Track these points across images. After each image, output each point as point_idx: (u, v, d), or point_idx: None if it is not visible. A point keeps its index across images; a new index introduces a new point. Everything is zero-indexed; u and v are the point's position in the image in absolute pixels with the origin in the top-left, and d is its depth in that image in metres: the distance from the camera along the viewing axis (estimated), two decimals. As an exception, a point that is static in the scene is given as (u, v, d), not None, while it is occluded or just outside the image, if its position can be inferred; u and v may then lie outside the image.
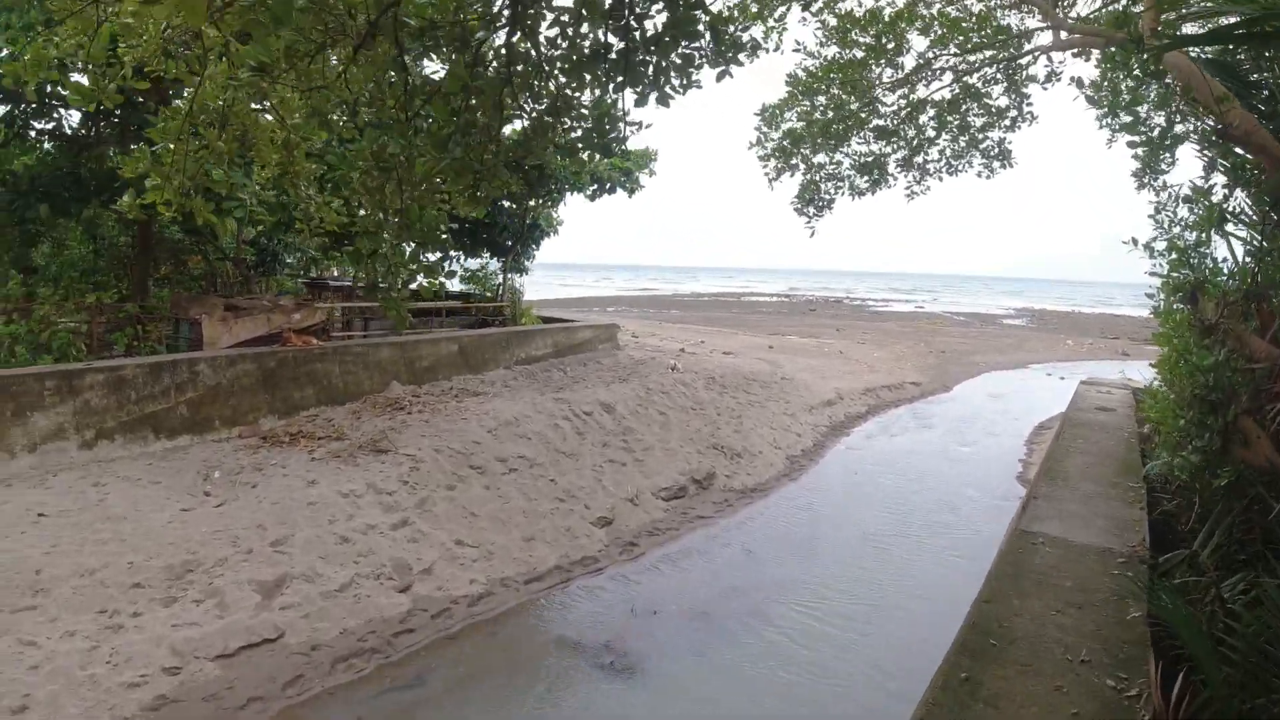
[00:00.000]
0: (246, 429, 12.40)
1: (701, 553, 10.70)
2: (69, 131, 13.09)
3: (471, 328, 18.17)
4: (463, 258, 19.27)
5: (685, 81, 4.15)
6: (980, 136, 12.23)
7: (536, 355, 16.61)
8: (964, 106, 11.54)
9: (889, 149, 11.69)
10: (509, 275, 19.06)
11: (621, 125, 4.34)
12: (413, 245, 7.63)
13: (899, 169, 11.99)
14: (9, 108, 12.31)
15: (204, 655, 7.46)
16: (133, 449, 11.30)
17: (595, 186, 17.12)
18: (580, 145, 4.59)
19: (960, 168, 12.43)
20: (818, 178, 11.74)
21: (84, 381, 10.88)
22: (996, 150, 12.63)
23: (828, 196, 11.76)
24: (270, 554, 8.94)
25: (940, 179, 12.30)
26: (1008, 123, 12.28)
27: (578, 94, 4.52)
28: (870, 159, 11.66)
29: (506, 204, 18.00)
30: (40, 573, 7.89)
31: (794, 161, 11.58)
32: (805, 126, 11.20)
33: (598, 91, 4.38)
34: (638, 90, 3.91)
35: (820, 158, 11.61)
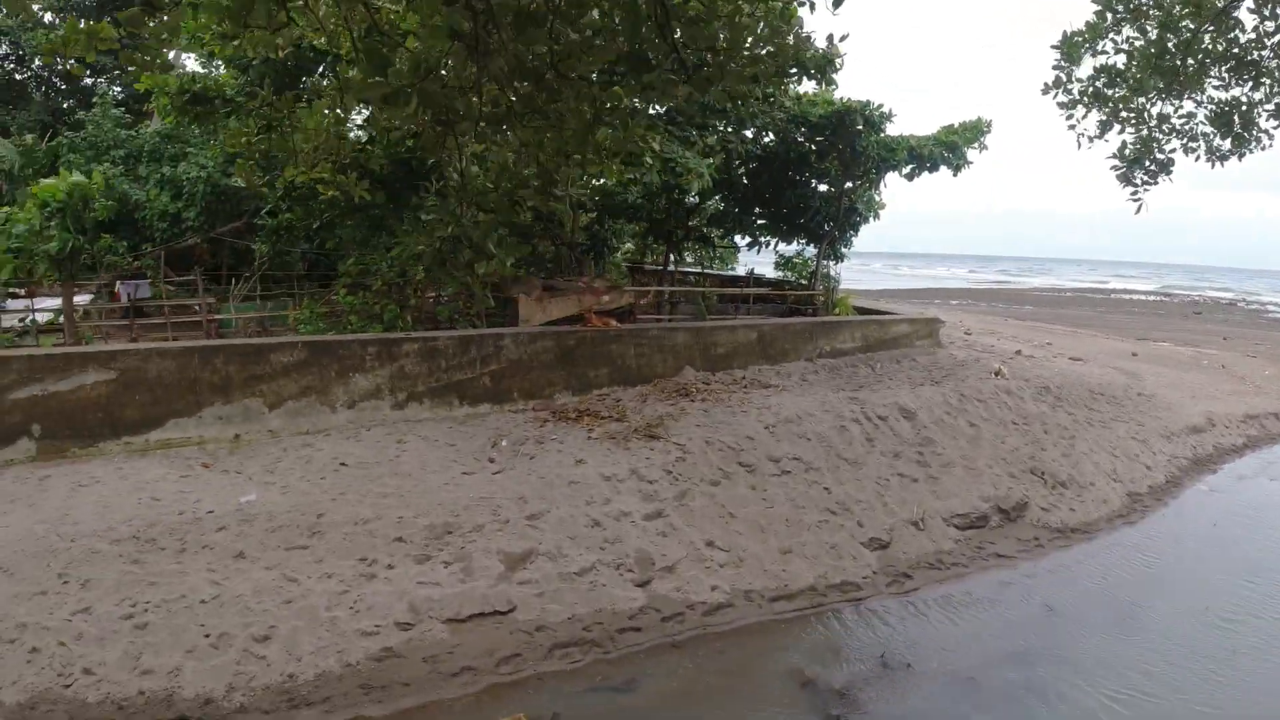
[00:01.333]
0: (540, 403, 12.85)
1: (989, 601, 9.00)
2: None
3: (781, 316, 17.50)
4: (774, 243, 18.52)
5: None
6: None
7: (843, 349, 15.45)
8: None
9: (1256, 93, 8.47)
10: (824, 262, 17.98)
11: (795, 35, 3.32)
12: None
13: (1273, 120, 8.66)
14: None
15: (437, 616, 7.69)
16: (438, 412, 12.20)
17: (913, 164, 15.38)
18: (740, 66, 3.54)
19: None
20: (1153, 133, 8.84)
21: (401, 349, 11.93)
22: None
23: (1161, 157, 8.86)
24: (523, 527, 9.03)
25: (1333, 135, 8.79)
26: None
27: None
28: (1228, 107, 8.50)
29: (822, 187, 16.95)
30: (322, 516, 8.62)
31: (1122, 113, 8.79)
32: (1128, 60, 8.43)
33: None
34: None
35: (1157, 106, 8.70)
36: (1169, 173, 8.97)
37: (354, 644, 7.12)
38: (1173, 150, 8.88)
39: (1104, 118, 9.04)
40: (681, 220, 17.17)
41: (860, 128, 14.12)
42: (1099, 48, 8.76)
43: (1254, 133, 8.59)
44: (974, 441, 11.92)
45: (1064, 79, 9.30)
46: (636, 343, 13.59)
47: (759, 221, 18.11)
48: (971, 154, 15.41)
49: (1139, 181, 9.02)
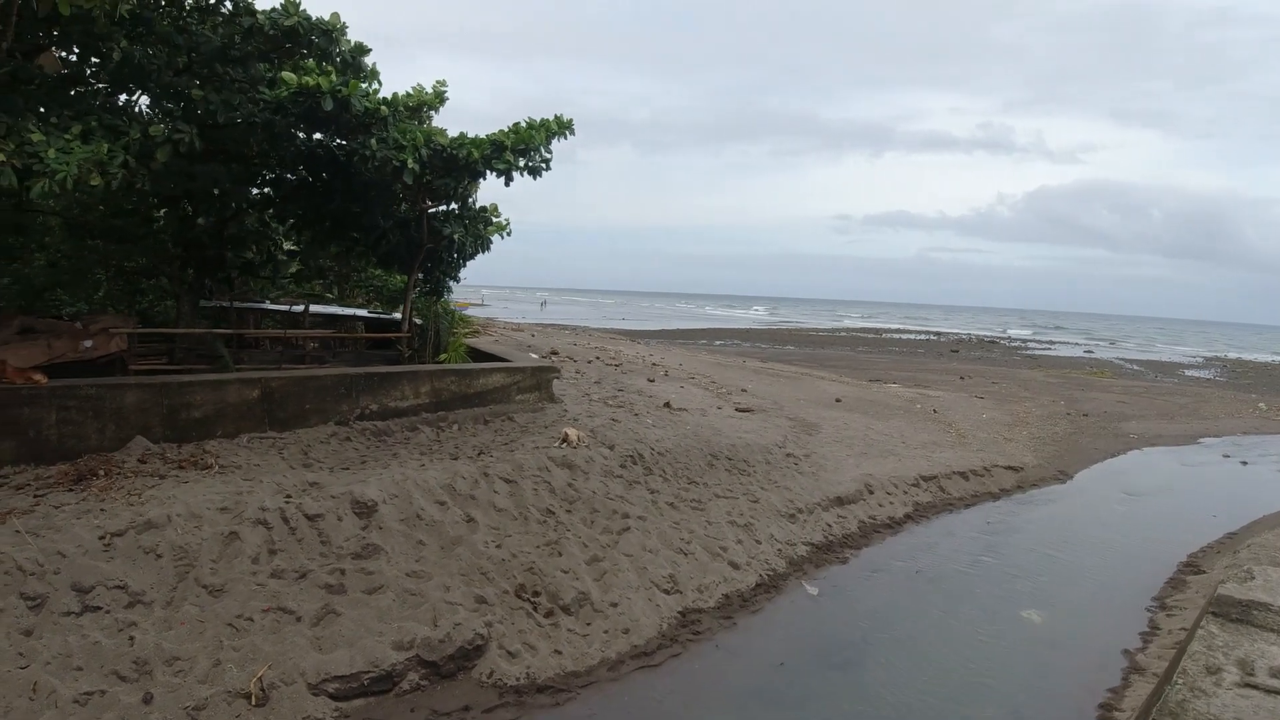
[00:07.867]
0: (-120, 493, 8.92)
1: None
2: None
3: (386, 363, 14.34)
4: (330, 274, 15.19)
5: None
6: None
7: (399, 408, 12.17)
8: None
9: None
10: (422, 296, 14.74)
11: None
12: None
13: None
14: None
15: None
16: None
17: (442, 169, 12.02)
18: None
19: None
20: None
21: None
22: None
23: None
24: None
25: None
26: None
27: None
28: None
29: (443, 211, 13.75)
30: None
31: None
32: None
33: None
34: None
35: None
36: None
37: None
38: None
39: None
40: (183, 241, 13.45)
41: (372, 123, 10.81)
42: None
43: None
44: (449, 546, 8.72)
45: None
46: (63, 405, 9.86)
47: (358, 246, 14.72)
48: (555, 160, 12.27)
49: None
